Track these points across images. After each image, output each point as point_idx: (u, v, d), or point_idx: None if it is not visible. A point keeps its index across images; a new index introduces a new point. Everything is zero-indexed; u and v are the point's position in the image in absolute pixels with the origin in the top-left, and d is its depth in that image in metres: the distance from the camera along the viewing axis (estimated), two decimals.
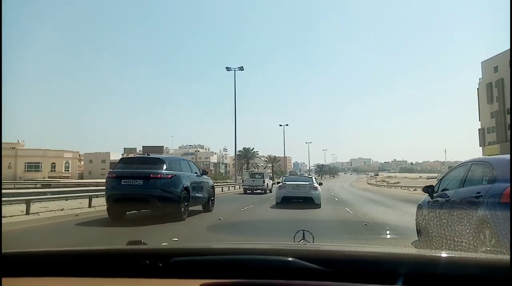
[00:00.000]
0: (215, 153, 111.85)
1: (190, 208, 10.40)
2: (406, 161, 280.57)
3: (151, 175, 9.37)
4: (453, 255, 1.25)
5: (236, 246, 1.76)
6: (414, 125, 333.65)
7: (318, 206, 14.12)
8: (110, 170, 10.53)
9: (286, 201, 14.83)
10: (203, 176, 11.96)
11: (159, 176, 9.40)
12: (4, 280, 1.17)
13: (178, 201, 9.53)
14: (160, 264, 1.20)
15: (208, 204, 11.88)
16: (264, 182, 28.41)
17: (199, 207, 11.76)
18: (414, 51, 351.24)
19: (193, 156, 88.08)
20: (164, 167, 9.70)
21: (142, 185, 9.29)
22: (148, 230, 8.23)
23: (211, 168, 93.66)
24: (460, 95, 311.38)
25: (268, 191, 28.12)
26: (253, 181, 28.52)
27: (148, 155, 11.15)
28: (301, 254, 1.24)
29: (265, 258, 1.24)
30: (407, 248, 2.98)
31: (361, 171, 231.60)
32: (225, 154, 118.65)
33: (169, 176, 9.57)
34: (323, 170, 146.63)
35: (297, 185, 15.31)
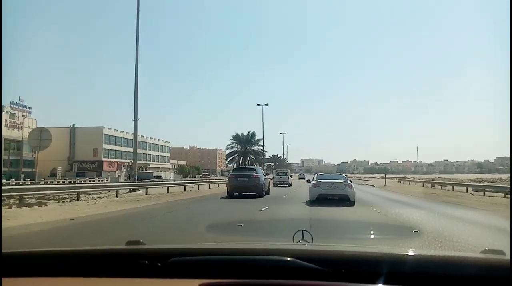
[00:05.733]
0: None
1: None
2: (368, 161, 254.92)
3: (251, 175, 19.60)
4: (453, 255, 1.27)
5: (235, 246, 1.78)
6: (374, 125, 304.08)
7: (352, 204, 14.39)
8: (231, 173, 21.16)
9: (321, 199, 14.83)
10: (266, 175, 22.69)
11: (255, 176, 19.65)
12: (4, 280, 1.19)
13: (262, 188, 19.65)
14: (159, 264, 1.24)
15: (268, 190, 21.98)
16: (288, 178, 37.96)
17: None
18: (380, 46, 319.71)
19: None
20: (255, 170, 20.10)
21: (247, 180, 19.40)
22: (247, 201, 17.68)
23: None
24: (432, 91, 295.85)
25: (290, 185, 35.37)
26: (280, 177, 38.16)
27: (245, 165, 21.90)
28: (299, 254, 1.28)
29: (263, 258, 1.28)
30: (408, 249, 2.64)
31: (316, 172, 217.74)
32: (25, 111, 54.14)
33: (258, 176, 19.82)
34: (276, 164, 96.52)
35: (332, 183, 15.58)
